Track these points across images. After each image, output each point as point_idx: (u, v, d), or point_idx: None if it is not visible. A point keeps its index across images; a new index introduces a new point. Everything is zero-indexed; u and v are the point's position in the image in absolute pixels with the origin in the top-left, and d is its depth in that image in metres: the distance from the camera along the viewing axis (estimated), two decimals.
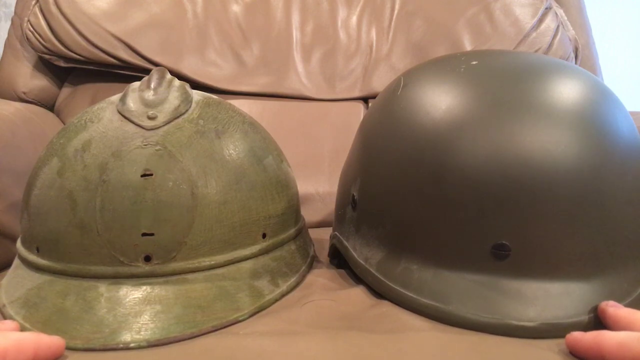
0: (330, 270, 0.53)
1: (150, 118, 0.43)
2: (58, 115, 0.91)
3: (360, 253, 0.48)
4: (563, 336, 0.36)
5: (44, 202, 0.42)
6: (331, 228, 0.57)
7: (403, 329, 0.39)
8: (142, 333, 0.38)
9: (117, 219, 0.40)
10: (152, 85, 0.46)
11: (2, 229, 0.60)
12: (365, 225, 0.48)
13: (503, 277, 0.40)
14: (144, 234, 0.40)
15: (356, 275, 0.49)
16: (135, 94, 0.45)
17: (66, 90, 0.93)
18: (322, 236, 0.64)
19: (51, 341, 0.35)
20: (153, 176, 0.41)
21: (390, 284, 0.44)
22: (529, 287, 0.39)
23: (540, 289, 0.39)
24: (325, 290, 0.47)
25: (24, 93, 0.90)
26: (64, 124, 0.88)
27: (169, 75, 0.48)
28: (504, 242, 0.39)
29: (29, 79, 0.91)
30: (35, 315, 0.40)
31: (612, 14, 1.46)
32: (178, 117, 0.44)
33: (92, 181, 0.41)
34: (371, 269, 0.46)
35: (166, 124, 0.43)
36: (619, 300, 0.39)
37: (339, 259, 0.53)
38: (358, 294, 0.46)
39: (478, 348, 0.36)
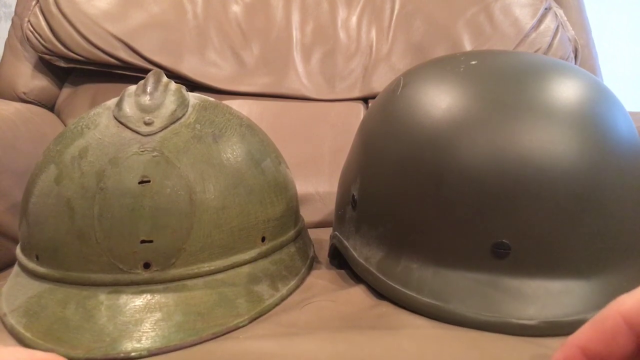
0: (330, 271, 0.53)
1: (147, 124, 0.43)
2: (58, 116, 0.91)
3: (361, 252, 0.48)
4: (563, 334, 0.36)
5: (42, 210, 0.42)
6: (331, 228, 0.57)
7: (403, 328, 0.39)
8: (142, 342, 0.38)
9: (116, 226, 0.40)
10: (148, 90, 0.45)
11: (3, 229, 0.60)
12: (365, 225, 0.48)
13: (503, 276, 0.40)
14: (143, 241, 0.40)
15: (356, 276, 0.49)
16: (131, 99, 0.45)
17: (66, 91, 0.93)
18: (322, 236, 0.63)
19: None
20: (150, 183, 0.40)
21: (390, 283, 0.44)
22: (529, 285, 0.39)
23: (540, 288, 0.39)
24: (325, 291, 0.47)
25: (24, 93, 0.90)
26: (65, 124, 0.88)
27: (165, 79, 0.47)
28: (503, 240, 0.39)
29: (29, 79, 0.91)
30: (36, 325, 0.39)
31: (612, 14, 1.45)
32: (175, 122, 0.44)
33: (90, 189, 0.40)
34: (371, 268, 0.46)
35: (163, 129, 0.43)
36: None
37: (338, 259, 0.53)
38: (358, 294, 0.46)
39: (478, 345, 0.37)
